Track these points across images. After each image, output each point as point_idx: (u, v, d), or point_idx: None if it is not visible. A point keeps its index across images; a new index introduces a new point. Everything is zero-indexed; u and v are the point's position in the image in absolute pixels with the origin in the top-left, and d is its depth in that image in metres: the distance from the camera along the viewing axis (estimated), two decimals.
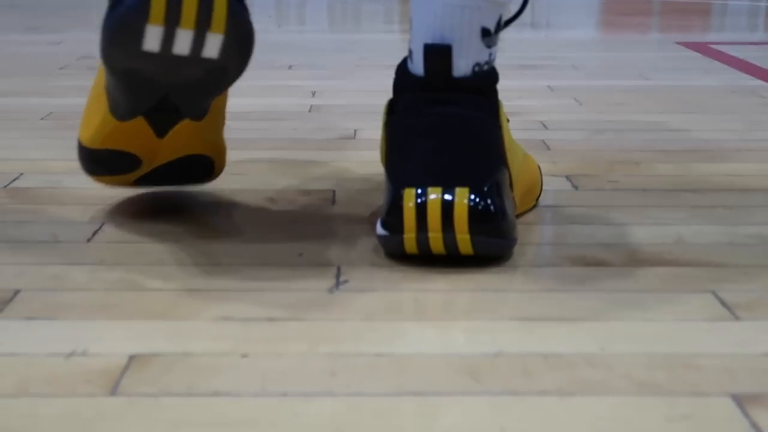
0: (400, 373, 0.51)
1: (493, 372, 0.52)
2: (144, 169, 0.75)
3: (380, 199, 0.84)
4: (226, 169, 0.94)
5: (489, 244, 0.65)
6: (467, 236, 0.65)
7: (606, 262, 0.69)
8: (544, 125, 1.15)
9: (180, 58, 0.62)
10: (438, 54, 0.69)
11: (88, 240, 0.73)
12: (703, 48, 1.88)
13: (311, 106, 1.28)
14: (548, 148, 1.03)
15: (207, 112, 0.69)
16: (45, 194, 0.85)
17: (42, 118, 1.18)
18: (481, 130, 0.69)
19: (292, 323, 0.58)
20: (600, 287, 0.64)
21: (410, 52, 0.72)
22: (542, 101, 1.31)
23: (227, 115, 1.02)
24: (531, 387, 0.50)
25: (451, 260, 0.69)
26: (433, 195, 0.64)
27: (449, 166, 0.66)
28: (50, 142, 1.05)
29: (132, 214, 0.79)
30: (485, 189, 0.65)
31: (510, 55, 1.78)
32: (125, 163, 0.73)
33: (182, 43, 0.62)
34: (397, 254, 0.68)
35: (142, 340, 0.55)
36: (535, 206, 0.81)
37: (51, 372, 0.51)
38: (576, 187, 0.88)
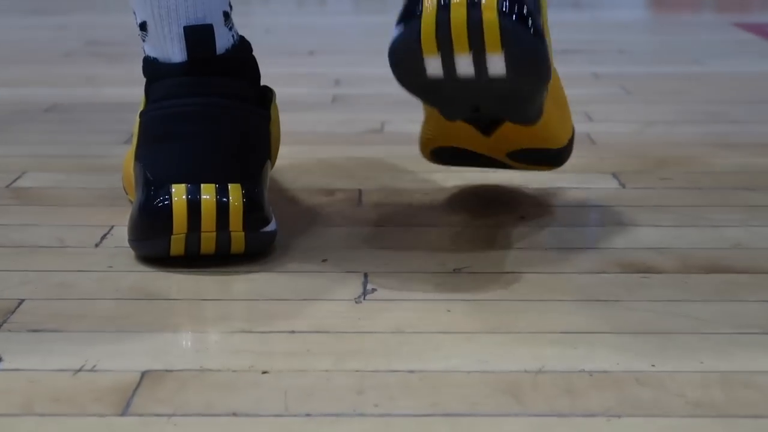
0: (434, 391, 0.52)
1: (535, 391, 0.52)
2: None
3: (411, 198, 0.85)
4: None
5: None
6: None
7: (656, 268, 0.69)
8: (589, 116, 1.15)
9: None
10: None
11: (97, 245, 0.73)
12: (761, 30, 1.86)
13: (334, 95, 1.29)
14: (593, 142, 1.03)
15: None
16: (50, 194, 0.86)
17: (46, 110, 1.19)
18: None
19: (316, 336, 0.58)
20: (650, 296, 0.64)
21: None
22: (586, 90, 1.31)
23: None
24: (576, 407, 0.50)
25: (482, 267, 0.69)
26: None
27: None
28: (55, 136, 1.06)
29: None
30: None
31: (551, 38, 1.78)
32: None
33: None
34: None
35: (156, 354, 0.56)
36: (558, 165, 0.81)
37: (58, 389, 0.52)
38: (623, 186, 0.88)
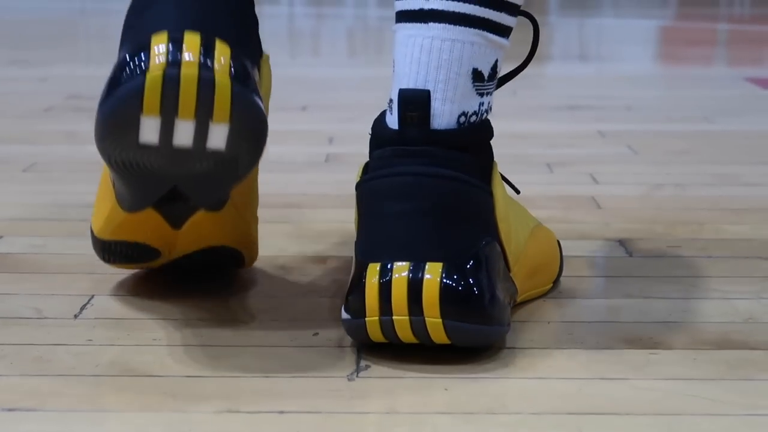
0: None
1: None
2: (164, 259, 0.76)
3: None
4: None
5: (468, 331, 0.63)
6: (439, 321, 0.63)
7: (665, 343, 0.69)
8: (594, 178, 1.16)
9: (183, 151, 0.63)
10: (414, 100, 0.66)
11: (76, 316, 0.74)
12: None
13: (328, 154, 1.30)
14: (598, 206, 1.04)
15: (224, 203, 0.68)
16: (27, 261, 0.86)
17: (24, 170, 1.20)
18: (464, 193, 0.66)
19: (307, 416, 0.58)
20: (658, 374, 0.64)
21: (390, 101, 0.69)
22: (592, 149, 1.32)
23: None
24: None
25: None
26: (400, 272, 0.63)
27: (420, 236, 0.64)
28: (34, 198, 1.07)
29: (125, 285, 0.80)
30: (465, 265, 0.63)
31: (555, 93, 1.80)
32: (141, 253, 0.75)
33: (183, 135, 0.62)
34: (362, 341, 0.66)
35: None
36: (552, 288, 0.79)
37: None
38: (630, 254, 0.89)
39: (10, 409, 0.59)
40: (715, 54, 2.51)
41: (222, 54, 0.61)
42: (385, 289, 0.63)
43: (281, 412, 0.59)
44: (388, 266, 0.63)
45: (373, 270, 0.63)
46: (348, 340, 0.69)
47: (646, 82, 1.98)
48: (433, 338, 0.64)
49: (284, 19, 3.81)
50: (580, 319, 0.74)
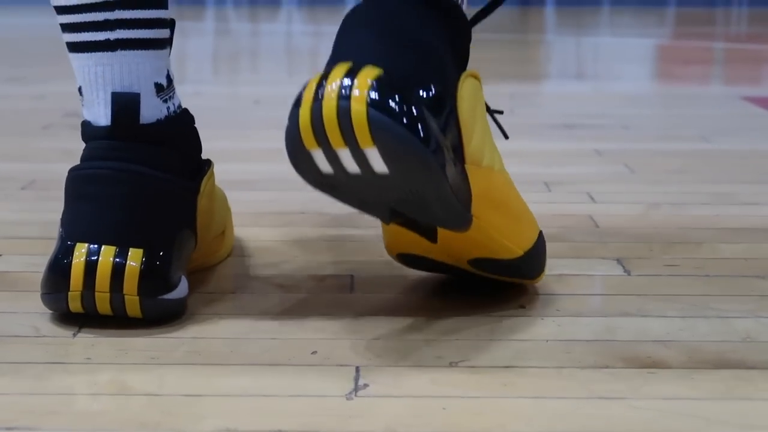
0: None
1: None
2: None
3: (406, 285, 0.85)
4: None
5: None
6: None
7: (662, 363, 0.69)
8: (591, 197, 1.16)
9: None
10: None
11: (74, 335, 0.74)
12: None
13: None
14: (596, 225, 1.04)
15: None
16: (26, 279, 0.86)
17: (23, 188, 1.20)
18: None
19: None
20: (655, 394, 0.65)
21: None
22: (588, 168, 1.33)
23: (231, 185, 1.03)
24: None
25: (481, 361, 0.69)
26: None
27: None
28: (32, 216, 1.07)
29: None
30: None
31: (552, 112, 1.80)
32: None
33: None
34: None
35: None
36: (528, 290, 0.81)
37: None
38: (628, 273, 0.89)
39: (8, 428, 0.59)
40: (712, 73, 2.52)
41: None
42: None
43: (280, 431, 0.59)
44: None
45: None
46: (346, 358, 0.69)
47: (643, 101, 1.98)
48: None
49: (282, 36, 3.82)
50: (577, 337, 0.74)
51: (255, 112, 1.79)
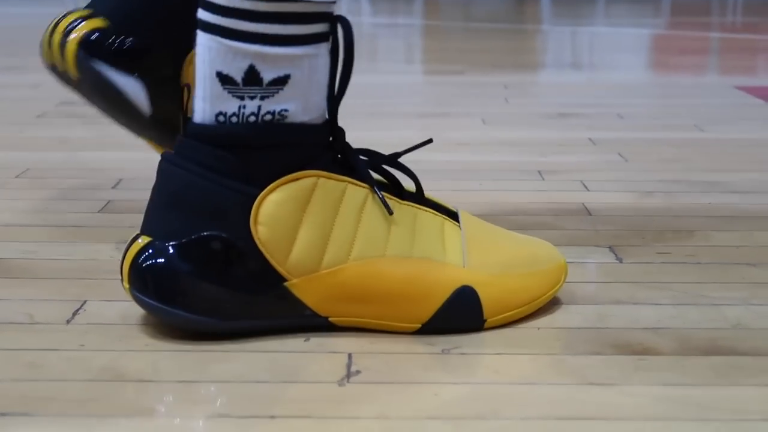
0: None
1: None
2: None
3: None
4: None
5: (146, 304, 0.71)
6: (127, 287, 0.73)
7: (654, 349, 0.70)
8: (585, 185, 1.16)
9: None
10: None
11: (68, 321, 0.74)
12: None
13: None
14: (589, 213, 1.04)
15: None
16: (20, 266, 0.87)
17: (17, 176, 1.20)
18: (197, 186, 0.70)
19: (298, 421, 0.59)
20: (646, 380, 0.65)
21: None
22: (583, 157, 1.33)
23: None
24: None
25: (476, 349, 0.70)
26: (130, 242, 0.72)
27: (149, 212, 0.72)
28: (26, 204, 1.07)
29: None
30: (168, 246, 0.69)
31: (546, 101, 1.80)
32: None
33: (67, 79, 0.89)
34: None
35: None
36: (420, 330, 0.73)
37: None
38: (620, 260, 0.89)
39: (2, 414, 0.59)
40: (707, 63, 2.52)
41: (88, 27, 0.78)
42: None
43: (272, 417, 0.59)
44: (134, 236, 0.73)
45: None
46: (338, 345, 0.70)
47: (638, 91, 1.98)
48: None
49: None
50: (569, 325, 0.74)
51: None
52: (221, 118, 0.70)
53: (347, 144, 0.73)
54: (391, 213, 0.72)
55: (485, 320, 0.73)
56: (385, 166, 0.76)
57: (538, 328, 0.73)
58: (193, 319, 0.69)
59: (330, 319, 0.71)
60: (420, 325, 0.72)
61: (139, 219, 0.95)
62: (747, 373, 0.66)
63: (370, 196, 0.73)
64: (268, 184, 0.70)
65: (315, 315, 0.71)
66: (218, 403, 0.61)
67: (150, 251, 0.70)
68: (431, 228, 0.74)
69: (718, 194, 1.13)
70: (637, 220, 1.02)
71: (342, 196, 0.71)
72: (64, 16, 0.87)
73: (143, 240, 0.70)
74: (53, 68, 0.88)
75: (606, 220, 1.02)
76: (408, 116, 1.61)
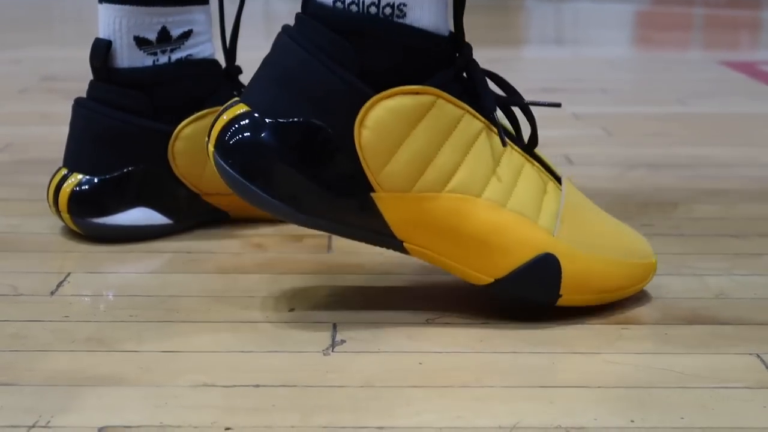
0: None
1: None
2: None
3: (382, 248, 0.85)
4: None
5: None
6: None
7: (637, 319, 0.70)
8: (569, 159, 1.17)
9: None
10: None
11: (52, 293, 0.74)
12: (750, 69, 1.90)
13: None
14: None
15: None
16: (3, 240, 0.86)
17: (0, 150, 1.20)
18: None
19: (282, 390, 0.59)
20: (630, 349, 0.65)
21: None
22: (566, 131, 1.33)
23: None
24: None
25: (460, 319, 0.70)
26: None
27: (254, 87, 0.69)
28: (8, 178, 1.07)
29: (101, 263, 0.81)
30: (269, 119, 0.66)
31: (530, 76, 1.81)
32: None
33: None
34: None
35: (113, 410, 0.56)
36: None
37: None
38: None
39: None
40: (691, 38, 2.52)
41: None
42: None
43: (257, 386, 0.59)
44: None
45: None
46: (323, 315, 0.70)
47: (622, 66, 1.99)
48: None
49: (259, 2, 3.80)
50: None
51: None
52: (339, 4, 0.66)
53: (474, 62, 0.69)
54: (504, 145, 0.68)
55: (560, 295, 0.69)
56: (508, 106, 0.73)
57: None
58: (270, 201, 0.66)
59: (405, 244, 0.68)
60: (493, 280, 0.68)
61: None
62: (729, 342, 0.66)
63: (485, 131, 0.68)
64: (385, 88, 0.65)
65: (392, 236, 0.68)
66: (202, 373, 0.61)
67: (245, 121, 0.66)
68: (534, 185, 0.70)
69: (701, 168, 1.14)
70: (621, 193, 1.03)
71: (457, 123, 0.67)
72: (50, 180, 0.87)
73: (241, 108, 0.67)
74: None
75: (590, 194, 1.02)
76: None
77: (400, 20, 0.66)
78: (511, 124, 0.73)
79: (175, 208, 0.87)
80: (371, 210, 0.67)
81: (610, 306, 0.72)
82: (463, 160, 0.68)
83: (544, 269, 0.68)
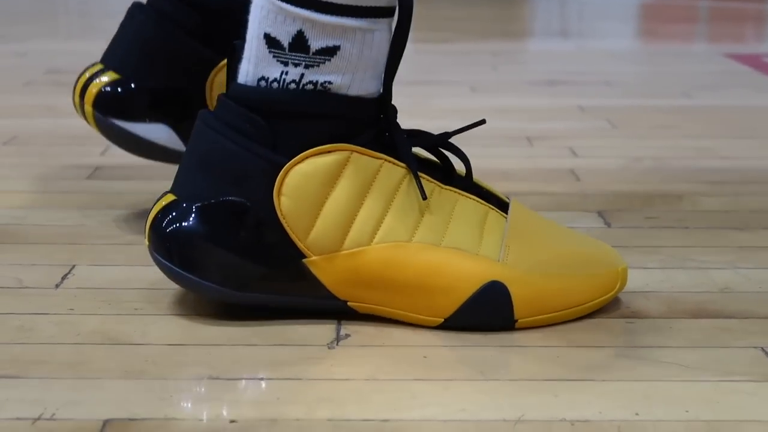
0: None
1: None
2: None
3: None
4: None
5: (160, 263, 0.69)
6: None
7: (642, 312, 0.70)
8: (573, 152, 1.17)
9: None
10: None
11: (57, 285, 0.74)
12: (756, 62, 1.89)
13: None
14: (577, 179, 1.05)
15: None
16: (8, 232, 0.86)
17: (5, 143, 1.20)
18: (224, 150, 0.68)
19: (287, 383, 0.59)
20: (634, 342, 0.65)
21: None
22: (571, 123, 1.33)
23: None
24: None
25: None
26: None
27: (180, 172, 0.70)
28: (14, 171, 1.07)
29: (106, 256, 0.81)
30: (187, 205, 0.67)
31: (535, 69, 1.80)
32: None
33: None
34: None
35: (118, 402, 0.56)
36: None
37: None
38: (609, 225, 0.89)
39: None
40: (696, 30, 2.52)
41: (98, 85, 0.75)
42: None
43: (262, 379, 0.59)
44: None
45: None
46: (328, 310, 0.70)
47: (627, 58, 1.98)
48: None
49: None
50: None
51: None
52: (262, 83, 0.67)
53: (395, 123, 0.69)
54: (425, 198, 0.67)
55: (516, 320, 0.67)
56: (436, 148, 0.72)
57: None
58: (206, 286, 0.67)
59: (349, 303, 0.68)
60: (442, 320, 0.67)
61: (126, 186, 0.95)
62: (733, 336, 0.66)
63: (408, 177, 0.68)
64: (297, 155, 0.66)
65: (333, 297, 0.67)
66: (207, 365, 0.61)
67: (172, 211, 0.67)
68: (471, 216, 0.69)
69: (706, 160, 1.14)
70: (626, 185, 1.03)
71: (376, 174, 0.67)
72: (81, 74, 0.86)
73: (167, 199, 0.68)
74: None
75: (594, 186, 1.02)
76: (396, 84, 1.60)
77: (323, 93, 0.67)
78: (442, 163, 0.72)
79: None
80: (307, 276, 0.67)
81: (615, 300, 0.71)
82: (388, 209, 0.67)
83: (492, 298, 0.67)
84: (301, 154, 0.66)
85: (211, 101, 0.85)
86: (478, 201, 0.70)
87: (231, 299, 0.68)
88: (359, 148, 0.67)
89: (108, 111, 0.84)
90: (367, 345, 0.65)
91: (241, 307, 0.69)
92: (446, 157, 0.72)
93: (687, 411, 0.56)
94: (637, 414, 0.56)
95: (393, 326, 0.67)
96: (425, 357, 0.63)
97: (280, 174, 0.66)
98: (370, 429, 0.54)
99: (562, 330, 0.67)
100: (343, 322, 0.68)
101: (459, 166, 0.72)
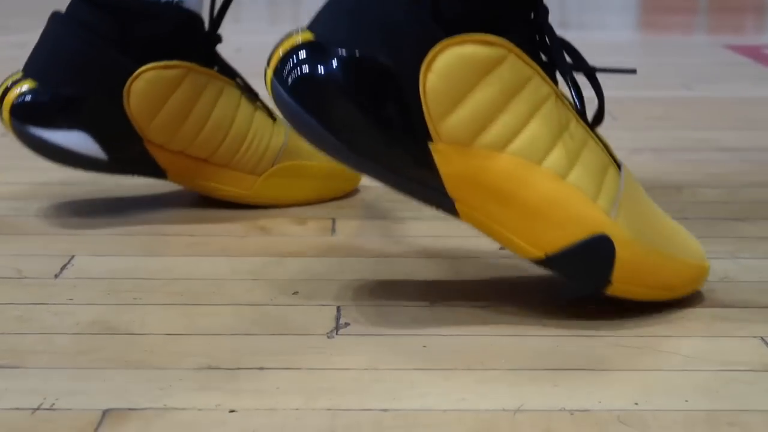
0: (408, 431, 0.52)
1: (513, 430, 0.53)
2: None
3: (386, 228, 0.85)
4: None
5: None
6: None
7: (641, 302, 0.70)
8: None
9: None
10: None
11: (56, 275, 0.74)
12: (756, 53, 1.89)
13: None
14: None
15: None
16: (7, 223, 0.86)
17: (3, 134, 1.19)
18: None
19: (286, 373, 0.59)
20: (634, 332, 0.65)
21: None
22: None
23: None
24: None
25: (464, 301, 0.70)
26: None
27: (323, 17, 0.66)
28: (13, 162, 1.07)
29: (106, 246, 0.81)
30: (337, 51, 0.63)
31: None
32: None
33: None
34: None
35: (118, 392, 0.56)
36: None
37: (14, 429, 0.52)
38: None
39: None
40: (696, 22, 2.51)
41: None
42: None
43: (261, 369, 0.59)
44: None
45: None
46: (327, 298, 0.70)
47: (627, 50, 1.98)
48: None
49: None
50: (558, 279, 0.74)
51: (236, 61, 1.78)
52: None
53: (551, 27, 0.66)
54: (579, 107, 0.65)
55: (610, 282, 0.65)
56: (579, 72, 0.69)
57: (526, 281, 0.74)
58: (324, 135, 0.62)
59: (457, 204, 0.64)
60: (544, 256, 0.64)
61: (125, 177, 0.94)
62: (733, 325, 0.66)
63: (553, 97, 0.65)
64: (457, 33, 0.62)
65: (444, 194, 0.64)
66: (206, 355, 0.61)
67: (306, 48, 0.63)
68: (595, 162, 0.66)
69: (706, 151, 1.14)
70: None
71: (526, 83, 0.64)
72: (4, 81, 0.86)
73: (304, 36, 0.63)
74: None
75: None
76: None
77: None
78: (577, 98, 0.69)
79: (115, 145, 0.85)
80: (426, 162, 0.63)
81: None
82: (527, 123, 0.64)
83: (598, 251, 0.65)
84: (462, 36, 0.62)
85: (129, 109, 0.84)
86: (603, 150, 0.68)
87: (342, 157, 0.63)
88: (517, 50, 0.63)
89: (25, 119, 0.84)
90: (366, 334, 0.64)
91: (236, 294, 0.68)
92: (581, 93, 0.69)
93: (686, 401, 0.56)
94: (636, 403, 0.56)
95: (392, 315, 0.67)
96: (425, 346, 0.63)
97: (435, 48, 0.62)
98: (369, 418, 0.54)
99: (561, 319, 0.67)
100: (342, 310, 0.68)
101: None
